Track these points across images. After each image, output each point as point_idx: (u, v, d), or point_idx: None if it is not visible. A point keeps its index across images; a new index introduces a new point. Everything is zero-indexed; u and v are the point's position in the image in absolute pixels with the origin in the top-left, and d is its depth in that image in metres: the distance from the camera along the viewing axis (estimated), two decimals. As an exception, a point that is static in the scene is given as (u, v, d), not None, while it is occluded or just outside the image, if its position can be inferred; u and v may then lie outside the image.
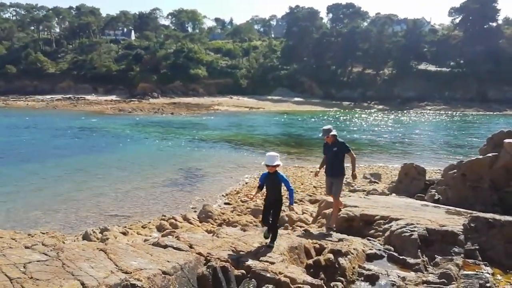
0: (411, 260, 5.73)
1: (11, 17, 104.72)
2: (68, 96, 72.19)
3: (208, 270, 4.02)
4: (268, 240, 5.49)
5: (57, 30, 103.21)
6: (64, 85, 79.09)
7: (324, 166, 7.53)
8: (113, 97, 71.22)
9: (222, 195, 15.21)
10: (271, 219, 5.55)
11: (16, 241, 3.80)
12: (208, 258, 4.42)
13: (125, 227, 11.17)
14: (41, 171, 19.11)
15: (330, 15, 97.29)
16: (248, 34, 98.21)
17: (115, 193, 15.38)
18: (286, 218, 10.26)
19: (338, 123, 45.25)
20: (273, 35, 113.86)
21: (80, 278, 3.21)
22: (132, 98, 69.30)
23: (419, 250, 6.00)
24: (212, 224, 10.98)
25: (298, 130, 38.82)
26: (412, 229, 6.38)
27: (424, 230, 6.31)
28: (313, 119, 48.64)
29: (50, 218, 12.67)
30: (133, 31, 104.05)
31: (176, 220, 11.16)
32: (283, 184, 5.51)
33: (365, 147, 28.53)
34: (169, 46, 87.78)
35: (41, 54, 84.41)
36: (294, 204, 6.32)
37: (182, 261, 4.03)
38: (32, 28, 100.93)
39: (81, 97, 70.66)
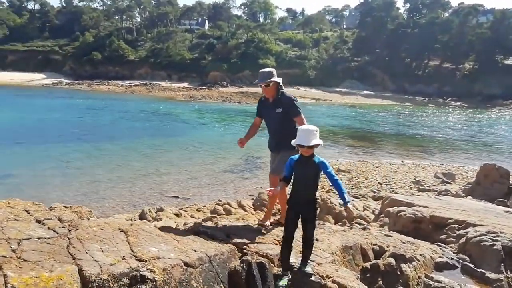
0: (492, 275, 4.78)
1: (99, 7, 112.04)
2: (144, 82, 76.01)
3: (241, 265, 3.42)
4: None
5: (138, 19, 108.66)
6: (142, 71, 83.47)
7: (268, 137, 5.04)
8: (185, 84, 73.79)
9: (280, 185, 14.68)
10: (304, 236, 3.67)
11: (29, 213, 3.45)
12: (244, 251, 3.81)
13: (181, 208, 11.11)
14: (113, 150, 20.09)
15: (408, 5, 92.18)
16: (319, 25, 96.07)
17: (178, 175, 15.59)
18: (345, 214, 9.45)
19: (409, 118, 42.73)
20: (345, 26, 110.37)
21: (80, 262, 2.69)
22: (202, 86, 71.25)
23: (502, 264, 5.02)
24: (267, 214, 10.52)
25: (365, 123, 37.19)
26: (494, 237, 5.38)
27: (509, 240, 5.28)
28: (382, 113, 46.31)
29: (116, 195, 13.05)
30: (206, 21, 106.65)
31: (230, 205, 10.87)
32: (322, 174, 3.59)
33: (438, 145, 26.63)
34: (240, 36, 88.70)
35: (123, 42, 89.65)
36: (351, 200, 3.86)
37: (213, 252, 3.45)
38: (116, 17, 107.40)
39: (156, 84, 74.01)
